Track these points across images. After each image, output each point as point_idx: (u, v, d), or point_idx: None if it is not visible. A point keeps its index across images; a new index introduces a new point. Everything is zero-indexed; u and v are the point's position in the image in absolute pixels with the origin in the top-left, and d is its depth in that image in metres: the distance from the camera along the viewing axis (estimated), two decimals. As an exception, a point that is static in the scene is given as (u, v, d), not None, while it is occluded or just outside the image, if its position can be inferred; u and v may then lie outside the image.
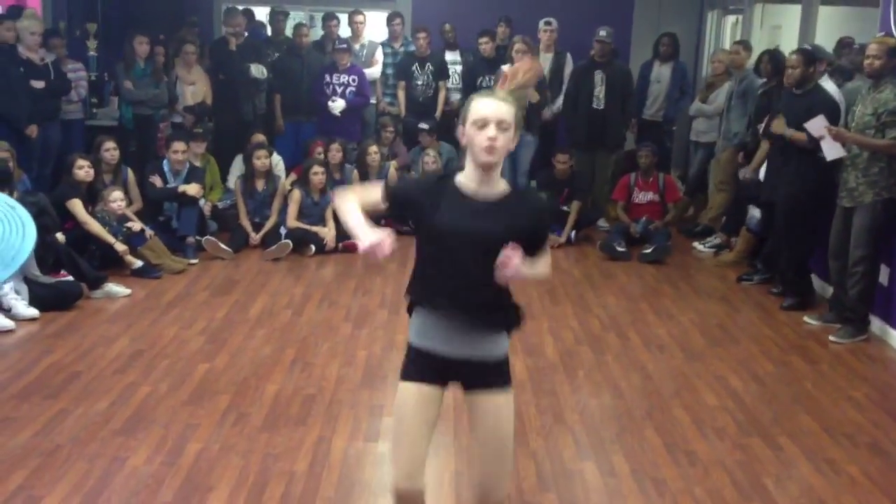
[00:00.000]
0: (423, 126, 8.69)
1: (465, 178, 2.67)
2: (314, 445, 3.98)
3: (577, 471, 3.87)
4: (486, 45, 8.79)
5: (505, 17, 9.27)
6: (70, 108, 8.06)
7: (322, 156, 7.97)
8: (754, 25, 9.10)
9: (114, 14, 9.33)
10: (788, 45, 8.59)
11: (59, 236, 6.11)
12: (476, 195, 2.65)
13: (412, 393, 2.72)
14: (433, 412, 2.73)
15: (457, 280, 2.64)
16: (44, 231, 5.65)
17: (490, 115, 2.59)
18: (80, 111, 8.31)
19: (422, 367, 2.73)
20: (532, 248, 2.65)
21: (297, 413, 4.31)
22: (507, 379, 2.76)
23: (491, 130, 2.57)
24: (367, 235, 2.60)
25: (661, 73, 8.99)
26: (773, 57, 7.38)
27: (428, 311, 2.72)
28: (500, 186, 2.68)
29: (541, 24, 8.76)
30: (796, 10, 8.09)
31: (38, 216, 5.64)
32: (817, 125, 5.71)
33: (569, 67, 8.78)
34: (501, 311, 2.74)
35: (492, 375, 2.72)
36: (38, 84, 7.37)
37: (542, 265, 2.74)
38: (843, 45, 7.96)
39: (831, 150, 5.68)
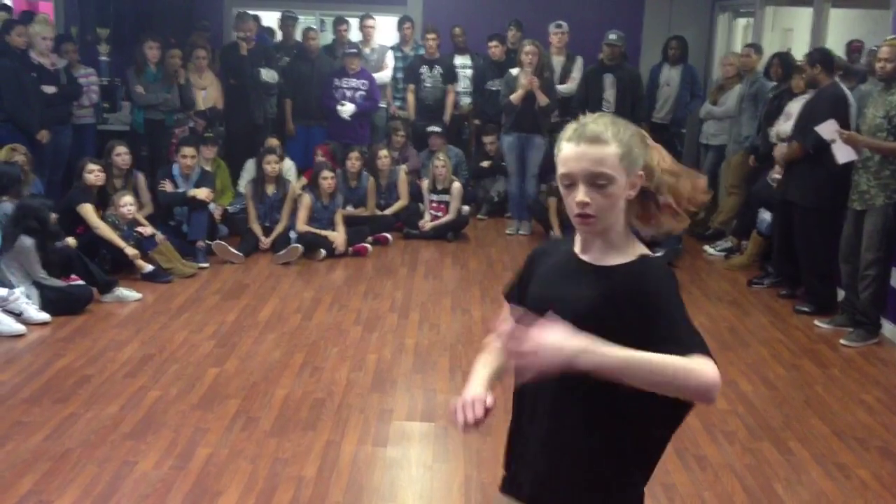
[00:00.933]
0: (434, 129, 8.71)
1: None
2: (323, 450, 3.98)
3: (586, 475, 3.85)
4: (495, 49, 8.80)
5: (515, 20, 9.28)
6: (82, 113, 8.10)
7: (321, 158, 8.01)
8: (765, 28, 9.08)
9: (125, 19, 9.38)
10: (799, 47, 8.58)
11: (71, 240, 6.14)
12: (583, 258, 1.93)
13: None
14: None
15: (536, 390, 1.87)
16: (27, 233, 5.65)
17: (576, 169, 1.84)
18: (92, 116, 8.36)
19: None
20: (625, 340, 1.69)
21: (306, 417, 4.32)
22: None
23: (580, 194, 1.83)
24: (466, 390, 1.95)
25: (671, 76, 8.98)
26: (784, 60, 7.36)
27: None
28: (625, 253, 1.88)
29: (551, 27, 8.75)
30: (807, 12, 8.07)
31: (20, 219, 5.65)
32: (829, 128, 5.68)
33: (578, 70, 8.77)
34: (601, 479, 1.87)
35: None
36: (50, 89, 7.41)
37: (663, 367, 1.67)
38: (853, 49, 7.94)
39: (843, 154, 5.66)
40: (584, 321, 1.71)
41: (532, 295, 1.97)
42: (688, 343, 1.71)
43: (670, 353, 1.67)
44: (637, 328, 1.73)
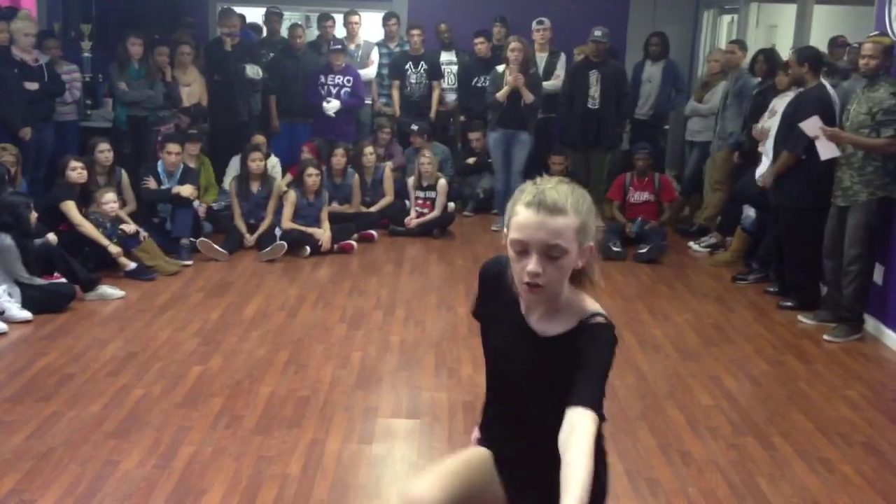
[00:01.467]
0: (414, 127, 8.70)
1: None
2: (308, 448, 3.97)
3: (570, 472, 3.86)
4: (481, 46, 8.80)
5: (500, 17, 9.29)
6: (64, 110, 8.05)
7: (307, 155, 7.98)
8: (750, 25, 9.12)
9: (109, 15, 9.32)
10: (784, 44, 8.61)
11: (52, 236, 6.09)
12: (530, 327, 2.05)
13: (474, 450, 2.29)
14: (477, 476, 2.23)
15: (513, 420, 2.16)
16: (3, 229, 5.59)
17: (532, 239, 1.87)
18: (75, 112, 8.30)
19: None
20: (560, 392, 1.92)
21: (290, 415, 4.30)
22: None
23: (533, 264, 1.88)
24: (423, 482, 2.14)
25: (652, 72, 9.05)
26: (768, 57, 7.38)
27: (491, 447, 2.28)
28: (568, 316, 2.02)
29: (534, 23, 8.78)
30: (792, 8, 8.10)
31: None
32: (812, 125, 5.70)
33: (562, 67, 8.79)
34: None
35: None
36: (32, 86, 7.36)
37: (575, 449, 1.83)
38: (837, 44, 7.96)
39: (826, 150, 5.68)
40: (537, 390, 2.02)
41: (492, 352, 2.16)
42: (590, 399, 1.88)
43: (577, 398, 1.87)
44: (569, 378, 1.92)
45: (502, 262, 2.09)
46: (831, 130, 5.61)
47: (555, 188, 1.89)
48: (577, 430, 1.83)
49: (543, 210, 1.85)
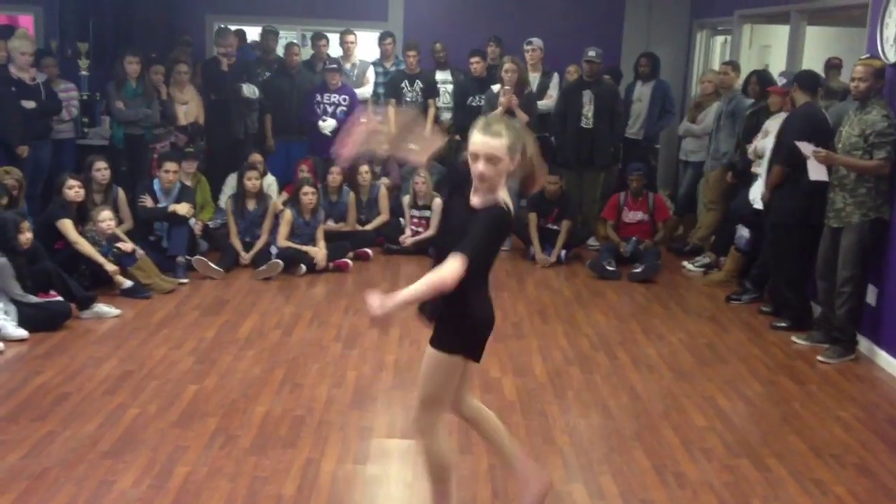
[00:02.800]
0: (412, 146, 8.70)
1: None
2: (303, 468, 3.98)
3: (566, 492, 3.87)
4: (476, 65, 8.84)
5: (495, 36, 9.34)
6: (61, 128, 8.06)
7: (305, 174, 8.00)
8: (743, 45, 9.17)
9: (106, 34, 9.34)
10: (777, 64, 8.66)
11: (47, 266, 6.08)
12: (471, 204, 3.08)
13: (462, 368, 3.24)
14: None
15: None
16: None
17: (480, 151, 2.97)
18: (72, 131, 8.31)
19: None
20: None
21: (285, 435, 4.31)
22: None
23: (480, 165, 2.97)
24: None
25: (642, 92, 9.19)
26: (761, 77, 7.44)
27: None
28: (491, 201, 3.01)
29: (524, 44, 8.84)
30: (785, 29, 8.15)
31: None
32: (806, 146, 5.74)
33: (555, 86, 8.85)
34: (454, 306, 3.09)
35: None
36: (29, 104, 7.38)
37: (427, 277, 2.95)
38: (831, 66, 8.02)
39: (816, 172, 5.73)
40: (458, 239, 2.94)
41: (444, 214, 3.36)
42: (462, 247, 2.90)
43: (464, 247, 2.90)
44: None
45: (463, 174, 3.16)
46: (825, 153, 5.65)
47: (496, 120, 3.07)
48: (441, 266, 2.91)
49: (487, 133, 2.97)
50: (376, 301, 2.92)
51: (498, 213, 2.99)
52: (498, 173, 2.98)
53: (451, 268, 2.88)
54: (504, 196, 3.03)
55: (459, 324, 3.15)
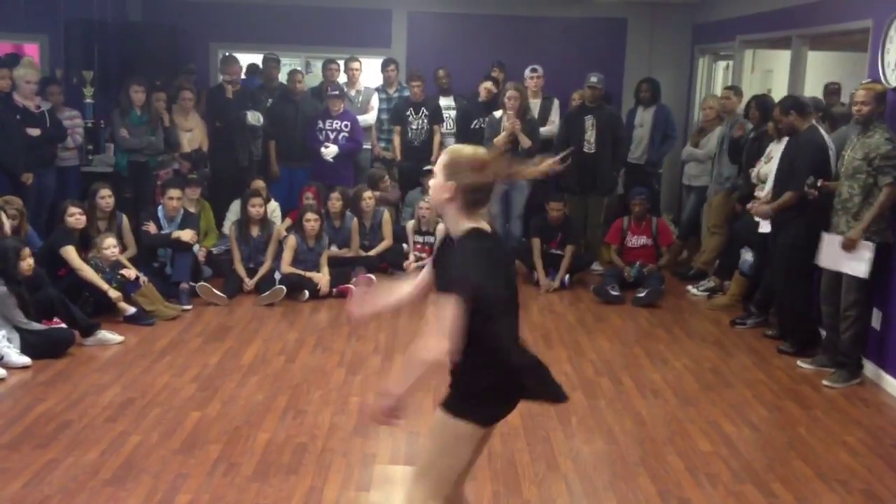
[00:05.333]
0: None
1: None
2: (305, 495, 3.95)
3: (569, 519, 3.85)
4: (486, 91, 8.80)
5: (498, 61, 9.39)
6: (66, 155, 8.10)
7: (311, 201, 8.01)
8: (745, 70, 9.20)
9: (111, 62, 9.40)
10: (779, 89, 8.68)
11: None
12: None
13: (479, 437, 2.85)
14: None
15: None
16: None
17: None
18: (76, 158, 8.35)
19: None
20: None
21: (288, 462, 4.29)
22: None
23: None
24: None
25: (644, 117, 9.22)
26: (760, 103, 7.45)
27: None
28: (455, 231, 2.83)
29: (527, 71, 8.88)
30: (787, 54, 8.18)
31: None
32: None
33: (556, 112, 8.88)
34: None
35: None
36: (34, 132, 7.43)
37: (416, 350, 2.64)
38: (830, 91, 8.02)
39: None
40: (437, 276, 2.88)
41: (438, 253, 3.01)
42: (454, 284, 2.63)
43: (449, 286, 2.63)
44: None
45: None
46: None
47: (454, 146, 2.97)
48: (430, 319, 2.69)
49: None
50: (379, 414, 2.73)
51: (469, 240, 2.75)
52: (434, 192, 2.82)
53: (431, 347, 2.59)
54: (474, 223, 2.79)
55: (472, 381, 2.78)
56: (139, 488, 3.96)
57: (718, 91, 9.50)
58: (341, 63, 9.49)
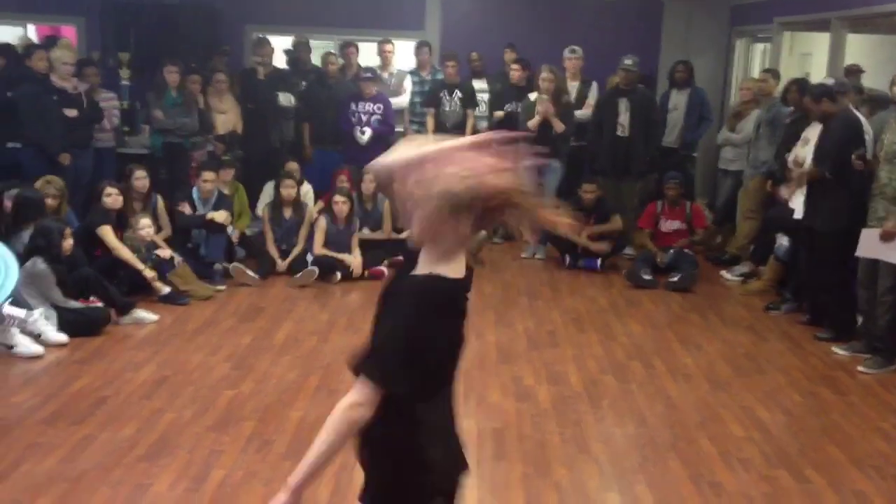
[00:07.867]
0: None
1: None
2: (336, 473, 3.97)
3: (600, 501, 3.85)
4: (516, 72, 8.78)
5: (510, 43, 9.49)
6: (102, 137, 8.19)
7: (345, 185, 8.03)
8: (783, 53, 9.08)
9: (147, 44, 9.48)
10: (818, 72, 8.57)
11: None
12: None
13: None
14: None
15: None
16: (37, 252, 5.72)
17: None
18: (112, 139, 8.44)
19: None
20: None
21: (320, 440, 4.31)
22: None
23: None
24: None
25: (678, 100, 9.05)
26: (800, 86, 7.34)
27: None
28: (421, 269, 2.16)
29: (566, 52, 8.80)
30: (825, 37, 8.07)
31: (32, 238, 5.79)
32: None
33: (594, 95, 8.81)
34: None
35: None
36: (71, 113, 7.51)
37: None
38: (850, 71, 7.87)
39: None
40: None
41: None
42: (368, 362, 2.14)
43: (365, 361, 2.13)
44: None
45: None
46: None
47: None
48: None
49: None
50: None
51: (424, 286, 2.09)
52: (425, 222, 2.09)
53: (338, 414, 2.12)
54: (445, 267, 2.09)
55: (385, 475, 2.23)
56: (174, 464, 4.01)
57: (756, 74, 9.38)
58: (370, 46, 9.46)
